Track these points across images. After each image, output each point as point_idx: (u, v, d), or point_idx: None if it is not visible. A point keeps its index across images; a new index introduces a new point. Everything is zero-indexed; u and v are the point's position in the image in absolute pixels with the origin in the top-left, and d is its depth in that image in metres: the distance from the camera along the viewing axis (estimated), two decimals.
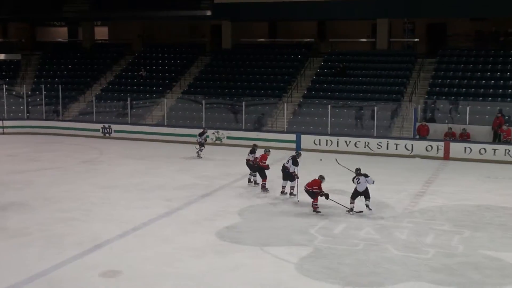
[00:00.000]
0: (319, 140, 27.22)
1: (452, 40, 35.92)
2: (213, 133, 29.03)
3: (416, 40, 36.74)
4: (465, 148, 25.57)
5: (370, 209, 16.87)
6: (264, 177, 19.45)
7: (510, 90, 29.31)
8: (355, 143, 26.81)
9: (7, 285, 11.44)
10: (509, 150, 24.94)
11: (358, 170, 16.97)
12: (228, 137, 28.93)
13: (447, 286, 11.69)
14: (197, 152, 25.57)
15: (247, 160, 20.39)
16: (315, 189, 16.66)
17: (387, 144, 26.52)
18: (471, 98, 28.92)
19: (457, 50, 33.45)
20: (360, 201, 16.82)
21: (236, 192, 19.36)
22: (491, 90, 29.63)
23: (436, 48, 34.05)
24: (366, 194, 16.83)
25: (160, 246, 13.85)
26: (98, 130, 31.57)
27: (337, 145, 26.72)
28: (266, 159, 19.48)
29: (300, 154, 19.41)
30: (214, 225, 15.45)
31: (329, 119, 28.48)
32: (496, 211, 17.30)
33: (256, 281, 11.81)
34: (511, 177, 22.18)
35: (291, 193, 18.67)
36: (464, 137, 26.48)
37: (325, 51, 36.50)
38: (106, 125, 31.59)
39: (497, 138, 26.38)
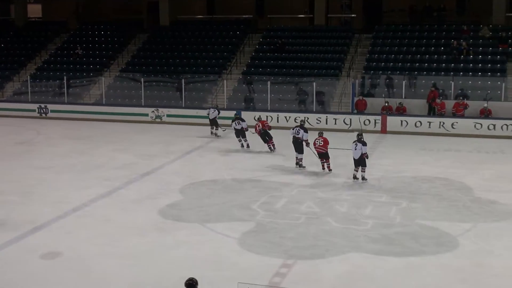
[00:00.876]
0: (259, 116, 27.11)
1: (387, 15, 36.46)
2: (153, 111, 28.76)
3: (353, 16, 37.13)
4: (401, 121, 26.15)
5: (365, 179, 17.35)
6: (271, 138, 21.59)
7: (443, 64, 30.00)
8: (295, 119, 26.95)
9: None
10: (443, 123, 25.63)
11: (359, 135, 17.45)
12: (168, 115, 28.70)
13: (385, 255, 12.02)
14: (218, 130, 25.16)
15: (239, 129, 22.40)
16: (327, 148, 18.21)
17: (326, 119, 26.88)
18: (406, 72, 29.48)
19: (393, 25, 33.98)
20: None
21: (177, 170, 19.30)
22: (426, 64, 30.24)
23: (373, 24, 34.51)
24: (361, 162, 17.30)
25: (101, 226, 13.73)
26: (34, 111, 30.73)
27: (277, 121, 26.88)
28: (267, 122, 22.24)
29: (303, 121, 20.71)
30: (156, 204, 15.40)
31: (268, 95, 28.63)
32: (432, 181, 17.81)
33: (199, 257, 11.86)
34: (445, 149, 22.82)
35: (299, 165, 19.29)
36: (401, 111, 27.06)
37: (264, 28, 36.47)
38: (42, 105, 30.78)
39: (431, 111, 27.05)
